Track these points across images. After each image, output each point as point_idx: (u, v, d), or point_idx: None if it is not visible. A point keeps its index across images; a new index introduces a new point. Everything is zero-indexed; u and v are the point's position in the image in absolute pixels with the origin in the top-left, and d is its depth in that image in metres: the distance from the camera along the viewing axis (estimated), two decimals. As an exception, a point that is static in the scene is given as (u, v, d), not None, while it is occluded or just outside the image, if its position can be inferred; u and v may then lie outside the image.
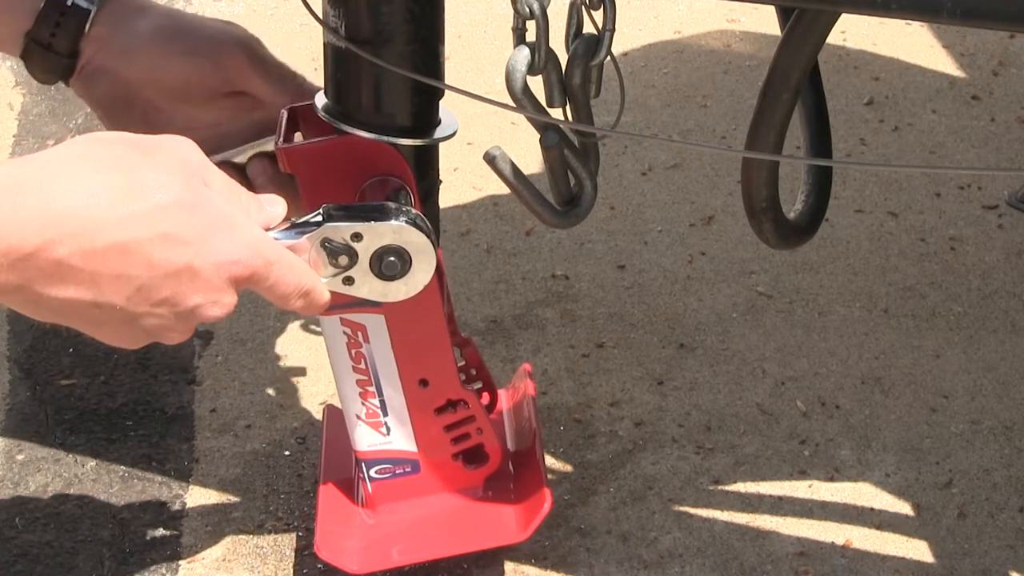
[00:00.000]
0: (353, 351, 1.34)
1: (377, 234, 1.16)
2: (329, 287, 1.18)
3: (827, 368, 1.74)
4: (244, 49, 1.29)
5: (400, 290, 1.20)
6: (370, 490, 1.42)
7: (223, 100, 1.31)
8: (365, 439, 1.39)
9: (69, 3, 1.27)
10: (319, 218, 1.16)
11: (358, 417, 1.38)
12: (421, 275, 1.19)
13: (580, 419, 1.67)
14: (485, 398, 1.47)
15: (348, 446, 1.43)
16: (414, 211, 1.19)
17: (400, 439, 1.39)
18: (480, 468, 1.43)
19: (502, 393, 1.55)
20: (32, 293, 1.00)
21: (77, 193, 0.99)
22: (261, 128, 1.31)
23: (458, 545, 1.43)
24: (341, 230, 1.16)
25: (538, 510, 1.39)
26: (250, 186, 1.26)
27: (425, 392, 1.37)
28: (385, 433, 1.38)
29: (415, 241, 1.18)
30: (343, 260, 1.17)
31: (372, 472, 1.41)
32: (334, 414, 1.54)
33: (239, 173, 1.27)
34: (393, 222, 1.16)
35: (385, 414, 1.37)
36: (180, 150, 1.06)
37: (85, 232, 0.98)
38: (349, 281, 1.18)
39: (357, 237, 1.16)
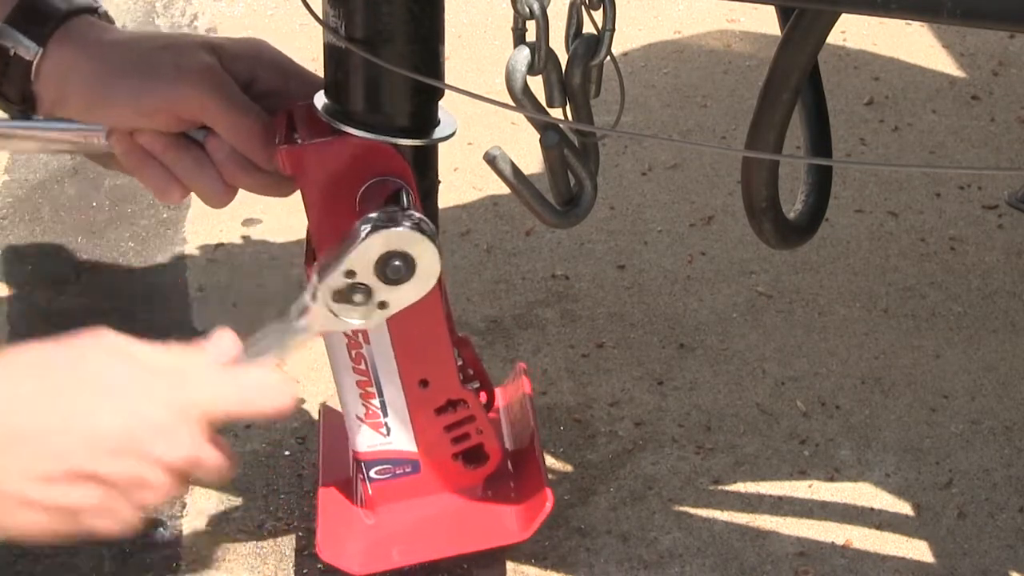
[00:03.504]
0: (353, 352, 1.33)
1: (361, 258, 1.17)
2: (375, 323, 1.20)
3: (827, 368, 1.74)
4: (201, 85, 1.23)
5: (417, 288, 1.20)
6: (370, 491, 1.42)
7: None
8: (365, 440, 1.39)
9: (11, 53, 1.21)
10: (309, 295, 1.18)
11: (358, 418, 1.37)
12: (428, 267, 1.19)
13: (580, 419, 1.67)
14: (482, 397, 1.47)
15: (346, 446, 1.42)
16: (416, 214, 1.20)
17: (400, 439, 1.39)
18: (480, 468, 1.42)
19: (499, 392, 1.55)
20: None
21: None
22: None
23: (459, 545, 1.43)
24: (332, 280, 1.17)
25: (539, 509, 1.39)
26: (210, 161, 1.24)
27: (425, 392, 1.37)
28: (385, 434, 1.38)
29: (410, 240, 1.18)
30: (359, 297, 1.18)
31: (372, 473, 1.41)
32: (330, 415, 1.54)
33: (198, 147, 1.25)
34: (364, 241, 1.17)
35: (385, 415, 1.37)
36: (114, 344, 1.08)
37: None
38: (384, 306, 1.19)
39: (351, 274, 1.17)
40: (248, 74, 1.26)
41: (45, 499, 1.04)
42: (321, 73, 1.28)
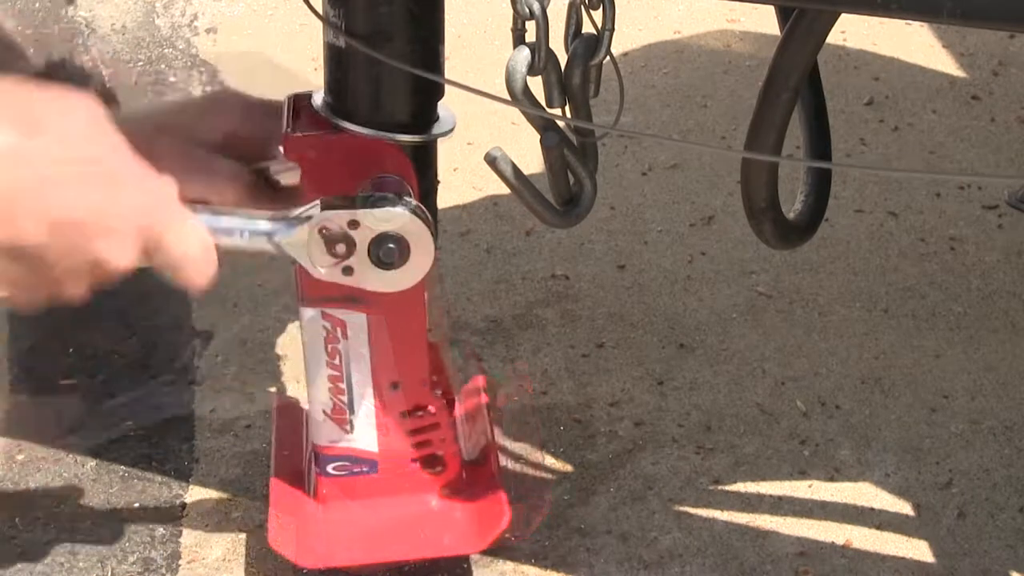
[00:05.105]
0: (330, 346, 1.34)
1: (374, 221, 1.17)
2: (329, 277, 1.19)
3: (827, 368, 1.74)
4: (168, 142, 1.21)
5: (399, 279, 1.20)
6: (324, 486, 1.41)
7: None
8: (327, 434, 1.38)
9: None
10: (316, 208, 1.17)
11: (324, 412, 1.37)
12: (420, 264, 1.20)
13: (580, 419, 1.67)
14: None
15: (300, 438, 1.43)
16: (413, 201, 1.20)
17: (362, 438, 1.39)
18: (437, 475, 1.42)
19: (457, 401, 1.55)
20: None
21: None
22: None
23: (406, 551, 1.42)
24: (337, 218, 1.17)
25: (496, 523, 1.39)
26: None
27: (395, 394, 1.37)
28: (348, 430, 1.38)
29: (413, 229, 1.18)
30: (340, 248, 1.17)
31: (330, 468, 1.40)
32: (284, 406, 1.55)
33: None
34: (390, 209, 1.17)
35: (352, 412, 1.37)
36: (82, 100, 1.04)
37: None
38: (348, 271, 1.19)
39: (354, 225, 1.17)
40: (220, 130, 1.25)
41: None
42: (322, 76, 1.28)
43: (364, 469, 1.40)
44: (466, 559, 1.46)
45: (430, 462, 1.42)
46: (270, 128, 1.26)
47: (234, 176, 1.22)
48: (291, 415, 1.53)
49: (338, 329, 1.32)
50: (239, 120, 1.26)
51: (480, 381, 1.55)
